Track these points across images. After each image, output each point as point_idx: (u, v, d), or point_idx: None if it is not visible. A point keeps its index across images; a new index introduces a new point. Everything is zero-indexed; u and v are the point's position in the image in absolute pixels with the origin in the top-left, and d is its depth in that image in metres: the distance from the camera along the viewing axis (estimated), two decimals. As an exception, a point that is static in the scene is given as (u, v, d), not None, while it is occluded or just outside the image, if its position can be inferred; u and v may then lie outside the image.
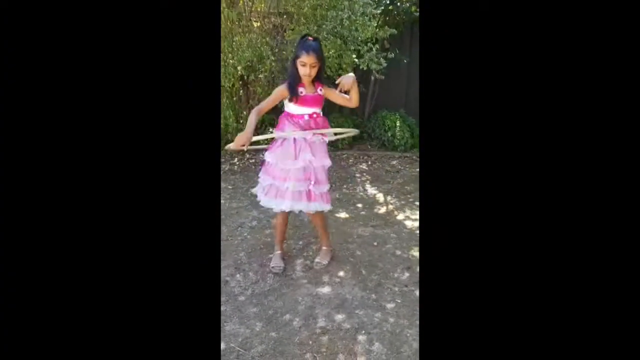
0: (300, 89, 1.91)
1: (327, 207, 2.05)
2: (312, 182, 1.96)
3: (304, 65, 1.83)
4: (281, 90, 1.92)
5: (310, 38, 1.87)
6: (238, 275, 2.09)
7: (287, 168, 1.95)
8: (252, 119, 1.82)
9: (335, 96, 1.99)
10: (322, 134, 1.99)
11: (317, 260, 2.17)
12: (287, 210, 2.02)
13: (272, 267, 2.12)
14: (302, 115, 1.94)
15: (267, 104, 1.94)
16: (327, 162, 2.01)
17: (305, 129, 1.93)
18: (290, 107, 1.95)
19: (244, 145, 1.77)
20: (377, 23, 3.80)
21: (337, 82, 1.96)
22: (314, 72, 1.85)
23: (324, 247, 2.23)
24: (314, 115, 1.96)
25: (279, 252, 2.20)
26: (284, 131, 1.95)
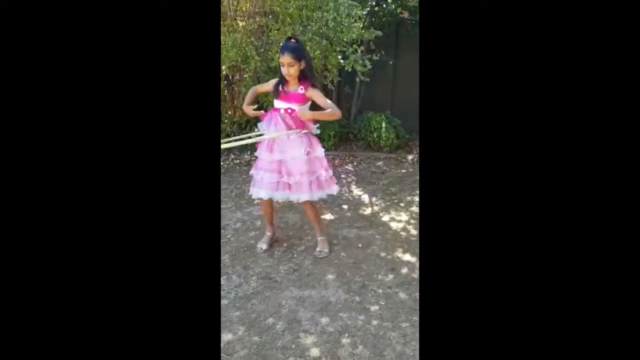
0: (285, 88, 2.08)
1: (303, 197, 2.13)
2: (284, 175, 2.10)
3: (282, 65, 1.98)
4: (270, 83, 2.15)
5: (292, 40, 2.01)
6: (221, 279, 2.06)
7: (265, 159, 2.15)
8: (249, 94, 2.20)
9: (319, 99, 2.05)
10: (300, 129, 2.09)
11: (317, 249, 2.27)
12: (265, 199, 2.20)
13: (257, 246, 2.36)
14: (278, 109, 2.10)
15: (262, 87, 2.25)
16: (299, 154, 2.06)
17: (280, 121, 2.06)
18: (275, 102, 2.12)
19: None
20: (363, 24, 3.81)
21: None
22: (292, 70, 1.97)
23: (319, 237, 2.29)
24: (289, 111, 2.08)
25: (268, 233, 2.39)
26: (264, 125, 2.13)
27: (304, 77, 2.01)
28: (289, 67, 1.95)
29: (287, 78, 1.99)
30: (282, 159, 2.09)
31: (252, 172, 2.24)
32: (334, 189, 2.23)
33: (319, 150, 2.13)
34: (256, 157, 2.25)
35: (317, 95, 2.02)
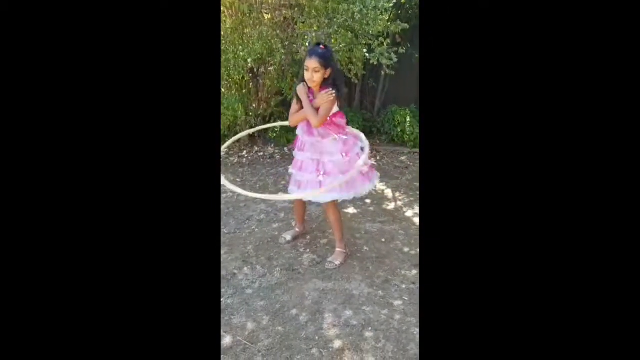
0: (311, 98, 1.96)
1: (334, 196, 2.03)
2: (322, 173, 2.01)
3: (306, 69, 1.87)
4: (295, 103, 2.02)
5: (321, 46, 1.90)
6: (246, 269, 2.09)
7: (299, 158, 2.11)
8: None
9: (320, 100, 1.91)
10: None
11: (329, 260, 2.15)
12: (298, 196, 2.13)
13: (282, 236, 2.38)
14: (307, 121, 2.01)
15: (295, 109, 2.04)
16: (337, 158, 1.99)
17: (310, 128, 2.01)
18: None
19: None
20: (389, 17, 3.76)
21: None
22: (317, 77, 1.86)
23: (337, 249, 2.18)
24: None
25: (297, 229, 2.41)
26: (299, 132, 2.08)
27: (327, 86, 1.89)
28: (314, 73, 1.85)
29: (310, 84, 1.90)
30: (319, 159, 2.02)
31: (290, 170, 2.20)
32: (366, 187, 2.10)
33: (357, 148, 2.05)
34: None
35: (320, 97, 1.89)
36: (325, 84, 1.90)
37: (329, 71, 1.87)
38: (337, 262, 2.12)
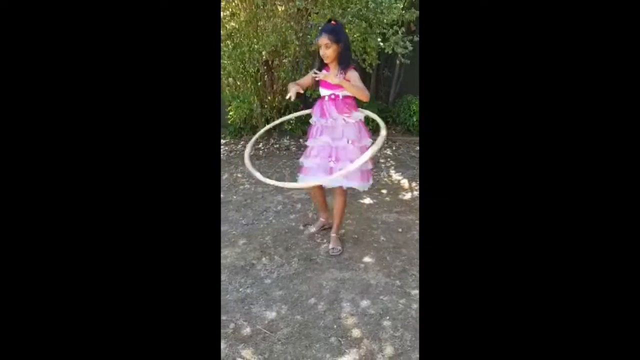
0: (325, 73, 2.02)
1: (346, 184, 2.06)
2: (333, 159, 2.04)
3: (319, 47, 1.95)
4: (309, 75, 2.08)
5: (332, 22, 1.97)
6: (264, 259, 2.13)
7: (315, 146, 2.11)
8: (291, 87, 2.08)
9: (355, 82, 1.94)
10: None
11: (331, 247, 2.19)
12: (312, 184, 2.15)
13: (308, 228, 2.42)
14: (323, 97, 2.06)
15: (302, 81, 2.14)
16: (343, 144, 2.01)
17: (325, 111, 2.04)
18: (320, 90, 2.10)
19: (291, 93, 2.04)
20: (403, 5, 3.71)
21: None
22: (329, 52, 1.94)
23: (332, 234, 2.22)
24: (332, 97, 2.03)
25: (322, 219, 2.39)
26: (314, 115, 2.10)
27: (342, 61, 1.96)
28: (326, 49, 1.93)
29: (325, 60, 1.97)
30: (332, 145, 2.04)
31: (301, 160, 2.19)
32: (364, 184, 2.11)
33: (365, 140, 2.07)
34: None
35: (353, 78, 1.94)
36: (340, 59, 1.95)
37: (340, 46, 1.93)
38: (340, 247, 2.18)
